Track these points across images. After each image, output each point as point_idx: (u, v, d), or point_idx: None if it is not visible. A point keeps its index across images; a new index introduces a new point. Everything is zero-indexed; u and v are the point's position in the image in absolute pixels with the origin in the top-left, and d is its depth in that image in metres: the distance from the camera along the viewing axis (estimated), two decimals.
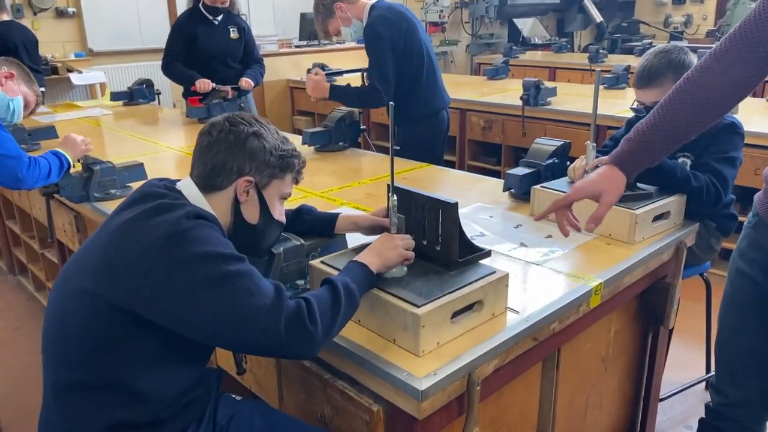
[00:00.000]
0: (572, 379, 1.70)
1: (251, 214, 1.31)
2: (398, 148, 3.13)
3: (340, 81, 4.77)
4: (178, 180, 1.33)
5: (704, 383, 2.53)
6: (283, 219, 1.39)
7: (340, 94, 2.95)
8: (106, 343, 1.13)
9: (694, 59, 1.98)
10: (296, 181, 1.40)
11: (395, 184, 1.37)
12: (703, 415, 1.66)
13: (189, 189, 1.27)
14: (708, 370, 2.54)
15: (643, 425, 2.16)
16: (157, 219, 1.13)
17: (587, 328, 1.63)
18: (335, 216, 1.57)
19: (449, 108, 3.24)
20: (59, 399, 1.18)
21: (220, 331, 1.09)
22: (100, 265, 1.14)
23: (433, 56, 3.11)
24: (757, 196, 1.46)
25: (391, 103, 1.36)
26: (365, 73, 3.02)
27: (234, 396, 1.39)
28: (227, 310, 1.07)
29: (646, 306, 1.91)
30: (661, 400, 2.31)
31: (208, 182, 1.28)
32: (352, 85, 3.14)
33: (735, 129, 1.96)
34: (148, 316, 1.11)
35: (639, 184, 1.87)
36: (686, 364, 2.64)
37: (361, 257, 1.28)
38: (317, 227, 1.56)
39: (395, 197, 1.35)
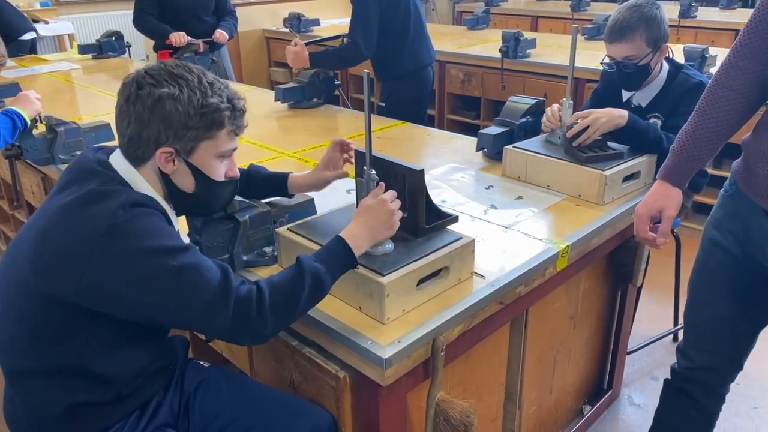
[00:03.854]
0: (540, 338, 1.73)
1: (185, 183, 1.18)
2: (383, 104, 3.09)
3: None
4: (114, 149, 1.22)
5: (672, 336, 2.60)
6: (233, 174, 1.24)
7: (320, 59, 2.89)
8: (57, 334, 1.09)
9: (665, 14, 1.95)
10: (236, 133, 1.21)
11: (358, 149, 1.34)
12: (669, 372, 1.70)
13: (120, 163, 1.17)
14: (676, 323, 2.61)
15: (611, 377, 2.22)
16: (92, 209, 1.05)
17: (555, 288, 1.65)
18: (285, 176, 1.51)
19: None
20: (16, 383, 1.17)
21: (167, 322, 1.11)
22: (37, 256, 1.07)
23: (420, 8, 3.04)
24: (734, 165, 1.43)
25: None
26: (344, 39, 2.93)
27: (202, 363, 1.39)
28: (172, 305, 1.05)
29: (615, 265, 1.94)
30: (630, 353, 2.38)
31: (130, 154, 1.16)
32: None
33: (704, 88, 1.95)
34: (94, 308, 1.07)
35: (610, 144, 1.87)
36: (655, 318, 2.71)
37: (351, 236, 1.18)
38: (271, 189, 1.51)
39: (372, 171, 1.28)
